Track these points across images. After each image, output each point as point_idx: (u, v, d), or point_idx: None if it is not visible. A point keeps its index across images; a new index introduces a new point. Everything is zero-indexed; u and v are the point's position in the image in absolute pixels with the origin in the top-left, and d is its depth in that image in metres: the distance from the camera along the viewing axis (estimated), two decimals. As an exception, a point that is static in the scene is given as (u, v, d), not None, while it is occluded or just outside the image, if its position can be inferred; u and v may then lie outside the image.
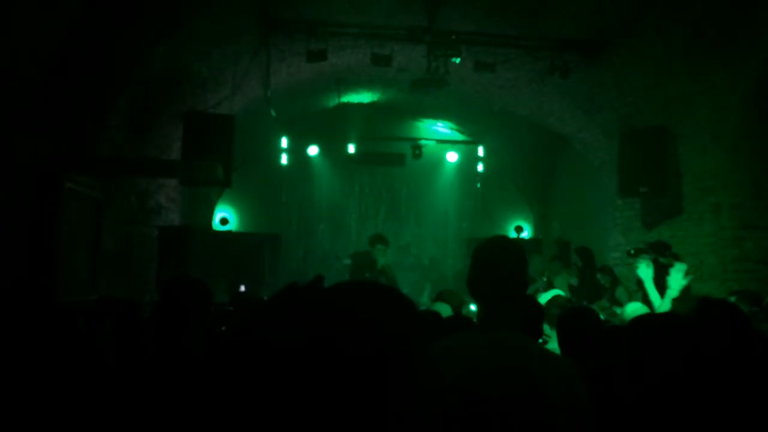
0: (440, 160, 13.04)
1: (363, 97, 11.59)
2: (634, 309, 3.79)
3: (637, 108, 8.23)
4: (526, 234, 12.76)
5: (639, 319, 1.50)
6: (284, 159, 11.95)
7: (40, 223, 5.01)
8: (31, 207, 5.00)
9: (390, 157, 12.37)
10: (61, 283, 5.40)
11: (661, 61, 7.34)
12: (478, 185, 13.10)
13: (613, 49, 7.77)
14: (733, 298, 5.27)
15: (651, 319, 1.61)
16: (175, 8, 6.26)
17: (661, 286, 5.79)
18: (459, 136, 13.10)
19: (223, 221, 11.90)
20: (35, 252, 4.98)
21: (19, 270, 4.89)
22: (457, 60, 7.72)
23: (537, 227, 12.95)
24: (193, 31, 6.85)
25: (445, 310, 4.17)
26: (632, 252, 6.69)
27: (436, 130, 13.15)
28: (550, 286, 7.38)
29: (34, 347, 2.63)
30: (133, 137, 7.15)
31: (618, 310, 4.48)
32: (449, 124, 12.87)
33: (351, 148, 12.09)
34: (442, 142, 12.91)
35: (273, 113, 9.76)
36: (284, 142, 11.86)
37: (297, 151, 12.27)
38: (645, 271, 5.37)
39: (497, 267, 2.12)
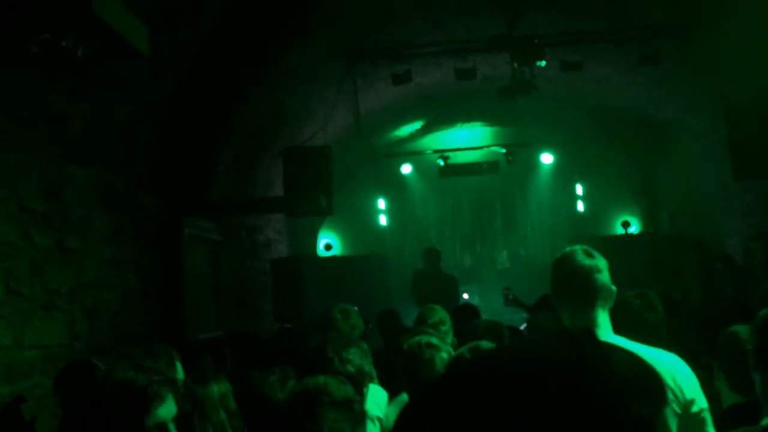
0: (535, 163, 12.83)
1: (450, 110, 11.64)
2: None
3: (739, 84, 7.78)
4: (634, 229, 12.27)
5: None
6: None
7: (168, 268, 5.43)
8: (158, 254, 5.43)
9: (483, 165, 12.32)
10: (190, 321, 5.80)
11: (759, 33, 6.92)
12: (578, 184, 12.76)
13: (705, 29, 7.41)
14: None
15: None
16: (266, 52, 6.61)
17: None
18: (554, 137, 12.83)
19: (328, 247, 12.29)
20: (167, 295, 5.40)
21: (154, 313, 5.32)
22: (542, 63, 7.62)
23: (645, 221, 12.43)
24: (284, 69, 7.20)
25: None
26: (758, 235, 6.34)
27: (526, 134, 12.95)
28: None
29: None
30: (239, 179, 7.59)
31: None
32: (543, 126, 12.65)
33: (442, 162, 12.15)
34: (535, 145, 12.68)
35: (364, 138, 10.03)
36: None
37: (391, 171, 12.55)
38: None
39: (573, 277, 2.20)
